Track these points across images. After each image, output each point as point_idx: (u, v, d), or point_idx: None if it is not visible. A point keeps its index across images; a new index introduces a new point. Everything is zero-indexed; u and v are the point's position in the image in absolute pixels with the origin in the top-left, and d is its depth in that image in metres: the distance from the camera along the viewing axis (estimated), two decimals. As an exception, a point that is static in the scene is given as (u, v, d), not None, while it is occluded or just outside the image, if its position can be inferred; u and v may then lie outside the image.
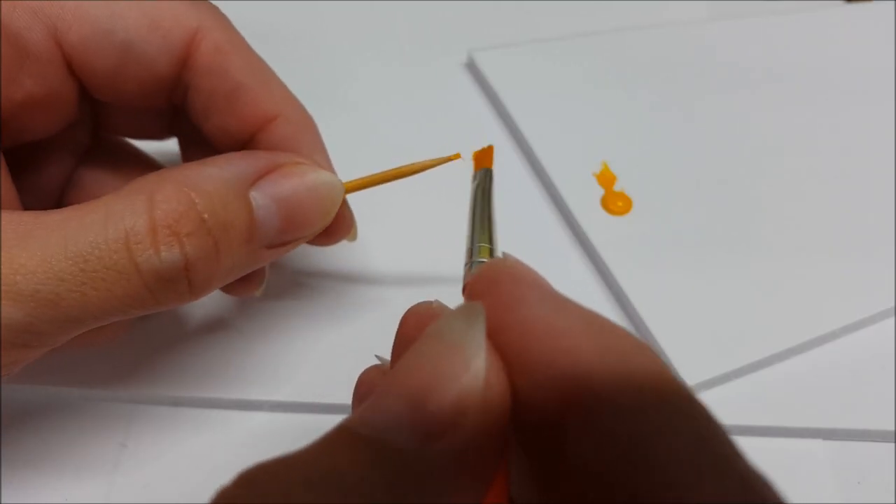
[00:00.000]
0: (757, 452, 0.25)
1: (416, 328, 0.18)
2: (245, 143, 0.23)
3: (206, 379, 0.26)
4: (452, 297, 0.18)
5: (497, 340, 0.15)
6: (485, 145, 0.25)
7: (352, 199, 0.24)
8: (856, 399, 0.27)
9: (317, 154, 0.23)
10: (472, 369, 0.14)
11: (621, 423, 0.13)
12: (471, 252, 0.21)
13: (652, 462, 0.13)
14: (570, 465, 0.14)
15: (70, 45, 0.21)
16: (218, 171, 0.20)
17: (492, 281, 0.16)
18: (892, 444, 0.26)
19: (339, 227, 0.24)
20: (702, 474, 0.13)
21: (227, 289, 0.25)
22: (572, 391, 0.14)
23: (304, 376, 0.26)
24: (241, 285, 0.24)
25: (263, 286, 0.25)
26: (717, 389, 0.27)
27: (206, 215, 0.19)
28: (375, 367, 0.21)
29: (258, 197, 0.20)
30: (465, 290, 0.18)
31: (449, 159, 0.23)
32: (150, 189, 0.19)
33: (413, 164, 0.23)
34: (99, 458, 0.24)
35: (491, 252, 0.21)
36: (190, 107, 0.23)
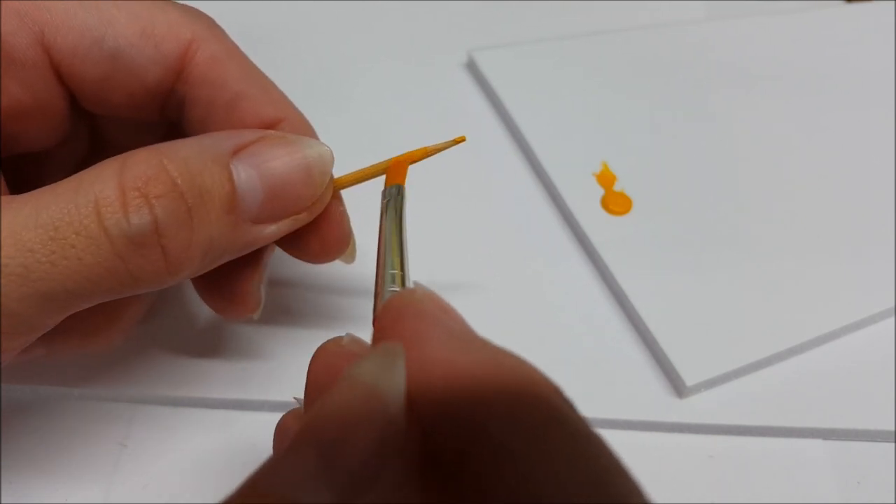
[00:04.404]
0: (757, 452, 0.26)
1: (325, 369, 0.17)
2: None
3: (206, 379, 0.26)
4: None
5: None
6: (399, 157, 0.22)
7: (351, 206, 0.24)
8: (856, 399, 0.27)
9: None
10: (391, 416, 0.13)
11: (512, 463, 0.13)
12: (380, 280, 0.19)
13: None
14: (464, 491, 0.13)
15: (58, 52, 0.20)
16: (196, 141, 0.19)
17: (396, 316, 0.15)
18: (892, 444, 0.26)
19: (335, 238, 0.23)
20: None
21: (221, 310, 0.24)
22: (467, 432, 0.13)
23: (305, 376, 0.26)
24: (236, 306, 0.23)
25: (260, 309, 0.24)
26: (717, 389, 0.27)
27: (178, 180, 0.18)
28: (294, 412, 0.19)
29: (240, 166, 0.19)
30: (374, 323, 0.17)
31: (453, 143, 0.22)
32: (122, 157, 0.18)
33: (413, 150, 0.22)
34: (99, 458, 0.24)
35: (403, 280, 0.19)
36: (186, 120, 0.22)
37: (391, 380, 0.14)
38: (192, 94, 0.22)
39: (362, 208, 0.24)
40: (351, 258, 0.25)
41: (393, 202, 0.21)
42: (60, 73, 0.21)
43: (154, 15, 0.21)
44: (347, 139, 0.34)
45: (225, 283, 0.23)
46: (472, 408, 0.13)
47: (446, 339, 0.15)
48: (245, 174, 0.19)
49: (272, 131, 0.21)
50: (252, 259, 0.23)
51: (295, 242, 0.22)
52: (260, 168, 0.20)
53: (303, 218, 0.21)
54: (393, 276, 0.19)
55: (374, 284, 0.19)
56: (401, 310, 0.16)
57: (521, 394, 0.14)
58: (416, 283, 0.17)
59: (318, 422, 0.13)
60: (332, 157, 0.21)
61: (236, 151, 0.19)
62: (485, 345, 0.15)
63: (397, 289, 0.18)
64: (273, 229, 0.20)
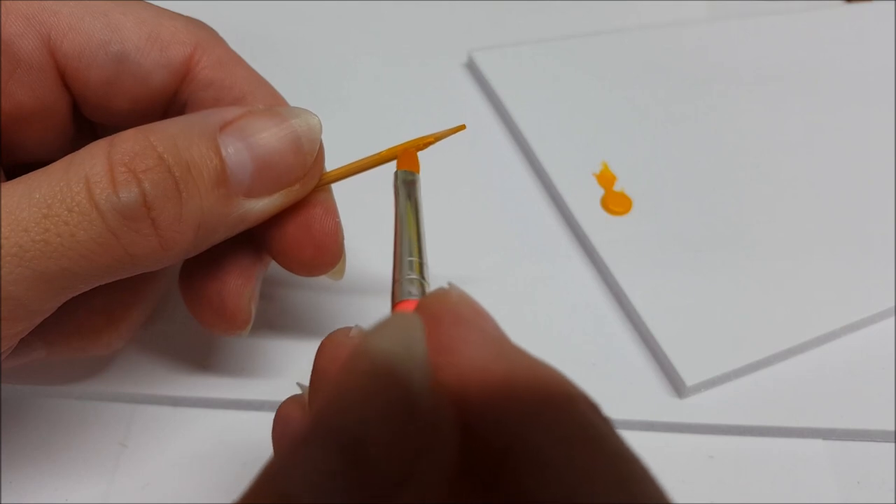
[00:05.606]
0: (757, 452, 0.26)
1: (332, 361, 0.17)
2: None
3: (206, 379, 0.26)
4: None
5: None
6: (404, 147, 0.22)
7: (344, 207, 0.24)
8: (856, 399, 0.27)
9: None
10: (415, 403, 0.12)
11: (554, 476, 0.12)
12: (398, 267, 0.19)
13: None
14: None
15: (63, 55, 0.20)
16: (183, 118, 0.20)
17: (433, 317, 0.15)
18: (892, 444, 0.26)
19: (329, 247, 0.23)
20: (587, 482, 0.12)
21: (209, 324, 0.23)
22: (507, 439, 0.13)
23: (305, 376, 0.26)
24: (224, 321, 0.23)
25: (249, 327, 0.23)
26: (717, 389, 0.27)
27: (164, 154, 0.18)
28: (294, 398, 0.19)
29: (227, 140, 0.19)
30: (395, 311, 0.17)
31: (453, 131, 0.22)
32: (111, 137, 0.18)
33: (413, 140, 0.22)
34: (99, 458, 0.24)
35: (421, 267, 0.19)
36: None
37: (412, 359, 0.13)
38: (196, 97, 0.22)
39: (353, 218, 0.24)
40: (339, 274, 0.25)
41: (407, 188, 0.21)
42: (65, 77, 0.21)
43: (160, 21, 0.21)
44: (347, 140, 0.34)
45: (215, 296, 0.22)
46: (512, 415, 0.13)
47: (484, 344, 0.14)
48: (233, 148, 0.19)
49: (259, 105, 0.21)
50: (244, 273, 0.23)
51: (288, 252, 0.22)
52: (248, 141, 0.20)
53: (296, 190, 0.21)
54: (410, 262, 0.19)
55: (392, 270, 0.19)
56: (438, 313, 0.15)
57: (562, 406, 0.13)
58: (450, 284, 0.17)
59: (332, 413, 0.12)
60: (321, 126, 0.21)
61: (223, 127, 0.20)
62: (521, 352, 0.15)
63: (415, 276, 0.18)
64: (266, 202, 0.20)
